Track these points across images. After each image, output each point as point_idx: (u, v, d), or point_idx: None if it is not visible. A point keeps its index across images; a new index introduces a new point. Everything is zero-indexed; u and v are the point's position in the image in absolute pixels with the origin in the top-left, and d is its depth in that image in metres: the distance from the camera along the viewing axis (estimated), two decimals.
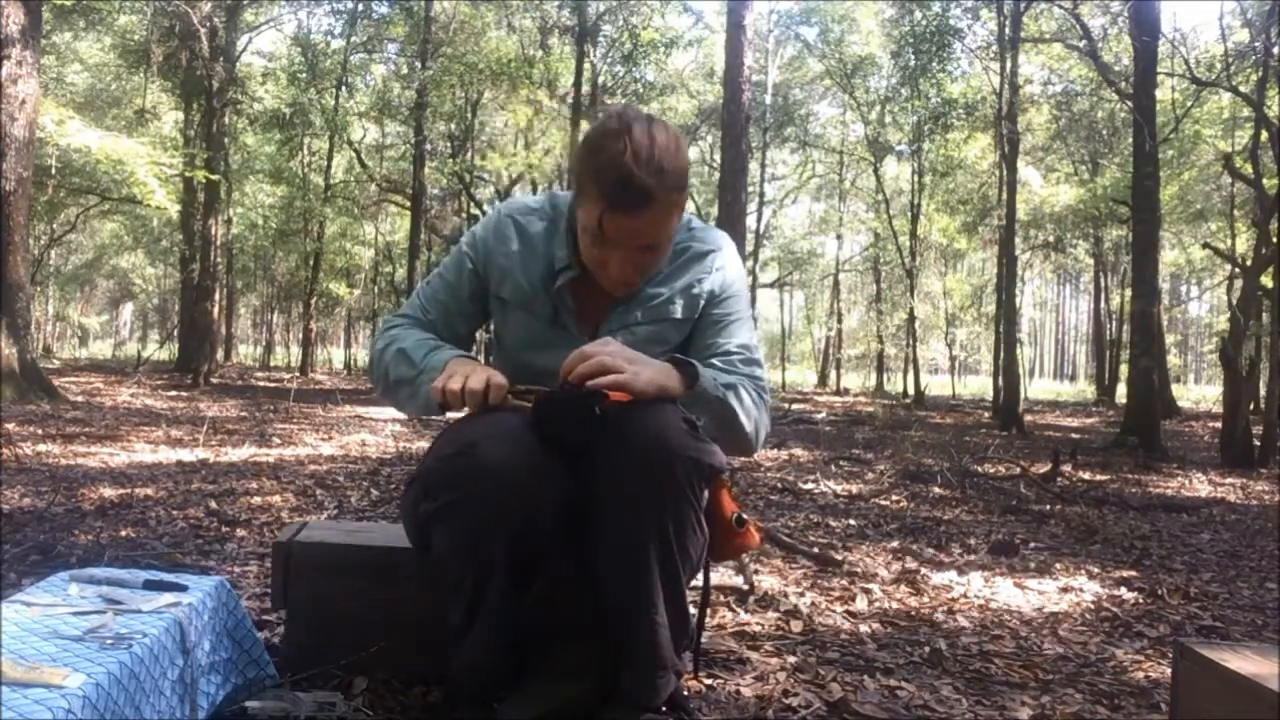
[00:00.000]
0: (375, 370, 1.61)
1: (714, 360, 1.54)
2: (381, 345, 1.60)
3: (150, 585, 1.47)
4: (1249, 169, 10.42)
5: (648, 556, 1.36)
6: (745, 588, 2.56)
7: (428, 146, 18.86)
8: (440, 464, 1.37)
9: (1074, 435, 11.67)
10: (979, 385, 28.67)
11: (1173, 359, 29.58)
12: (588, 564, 1.42)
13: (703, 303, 1.59)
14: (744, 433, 1.52)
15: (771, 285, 30.97)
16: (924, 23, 16.58)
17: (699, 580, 1.63)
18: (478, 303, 1.63)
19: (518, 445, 1.34)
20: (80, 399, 9.76)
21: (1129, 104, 11.19)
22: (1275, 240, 9.14)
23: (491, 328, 1.69)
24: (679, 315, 1.57)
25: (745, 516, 1.50)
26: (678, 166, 1.40)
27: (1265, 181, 10.39)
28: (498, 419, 1.39)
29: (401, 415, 1.68)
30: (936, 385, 26.04)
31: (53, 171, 18.45)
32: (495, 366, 1.55)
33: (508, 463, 1.32)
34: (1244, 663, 1.30)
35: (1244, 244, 15.55)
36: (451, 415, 1.49)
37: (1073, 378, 47.74)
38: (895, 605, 2.60)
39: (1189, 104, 14.49)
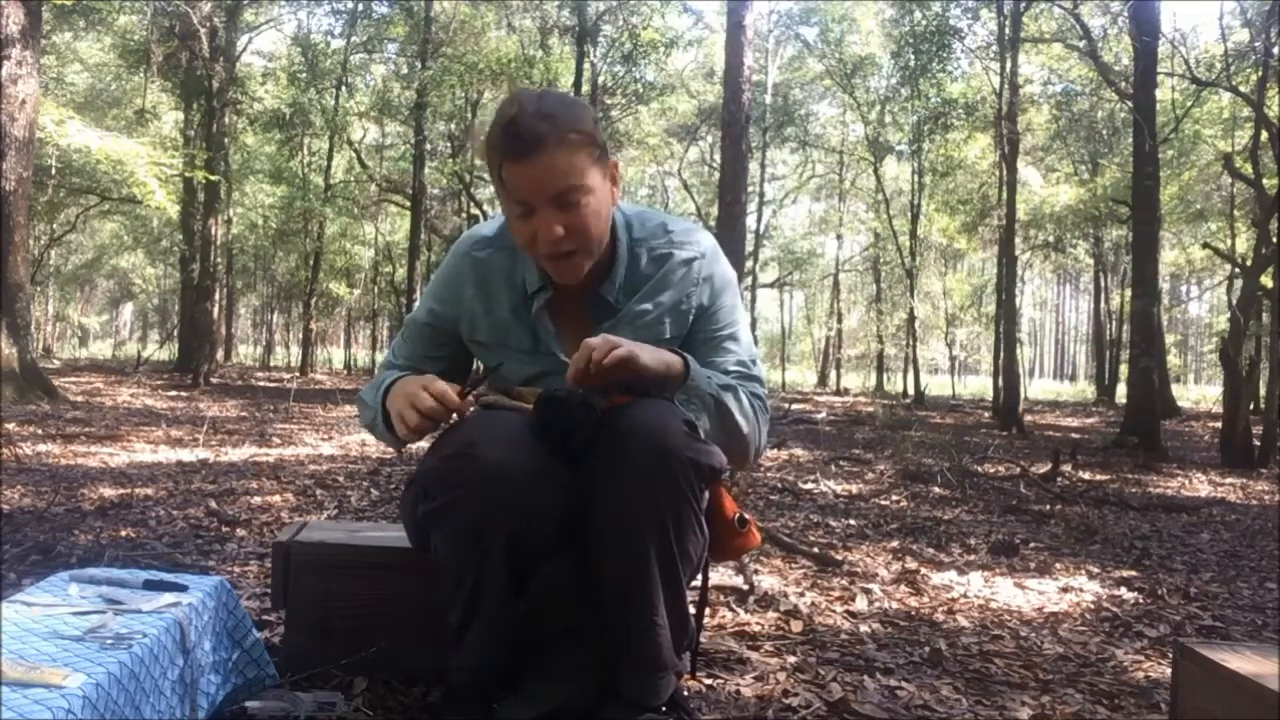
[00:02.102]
0: (363, 416, 1.65)
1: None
2: (361, 393, 1.65)
3: (150, 585, 1.47)
4: (1249, 169, 10.42)
5: (647, 557, 1.36)
6: (745, 588, 2.56)
7: (428, 146, 18.87)
8: (439, 465, 1.37)
9: (1074, 435, 11.67)
10: (979, 385, 28.67)
11: (1173, 359, 29.58)
12: (587, 564, 1.42)
13: (692, 317, 1.56)
14: (741, 434, 1.51)
15: (771, 285, 30.99)
16: (924, 23, 16.60)
17: (698, 580, 1.64)
18: (447, 345, 1.62)
19: (516, 446, 1.34)
20: (80, 399, 9.76)
21: (1129, 104, 11.19)
22: (1275, 240, 9.14)
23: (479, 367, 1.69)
24: (669, 335, 1.55)
25: (747, 517, 1.50)
26: (571, 115, 1.37)
27: (1265, 181, 10.39)
28: (498, 420, 1.40)
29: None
30: (936, 385, 26.04)
31: (53, 171, 18.45)
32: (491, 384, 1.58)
33: (506, 463, 1.32)
34: (1244, 663, 1.30)
35: (1244, 244, 15.55)
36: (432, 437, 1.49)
37: (1073, 378, 47.74)
38: (895, 605, 2.60)
39: (1189, 104, 14.50)
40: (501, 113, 1.37)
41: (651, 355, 1.39)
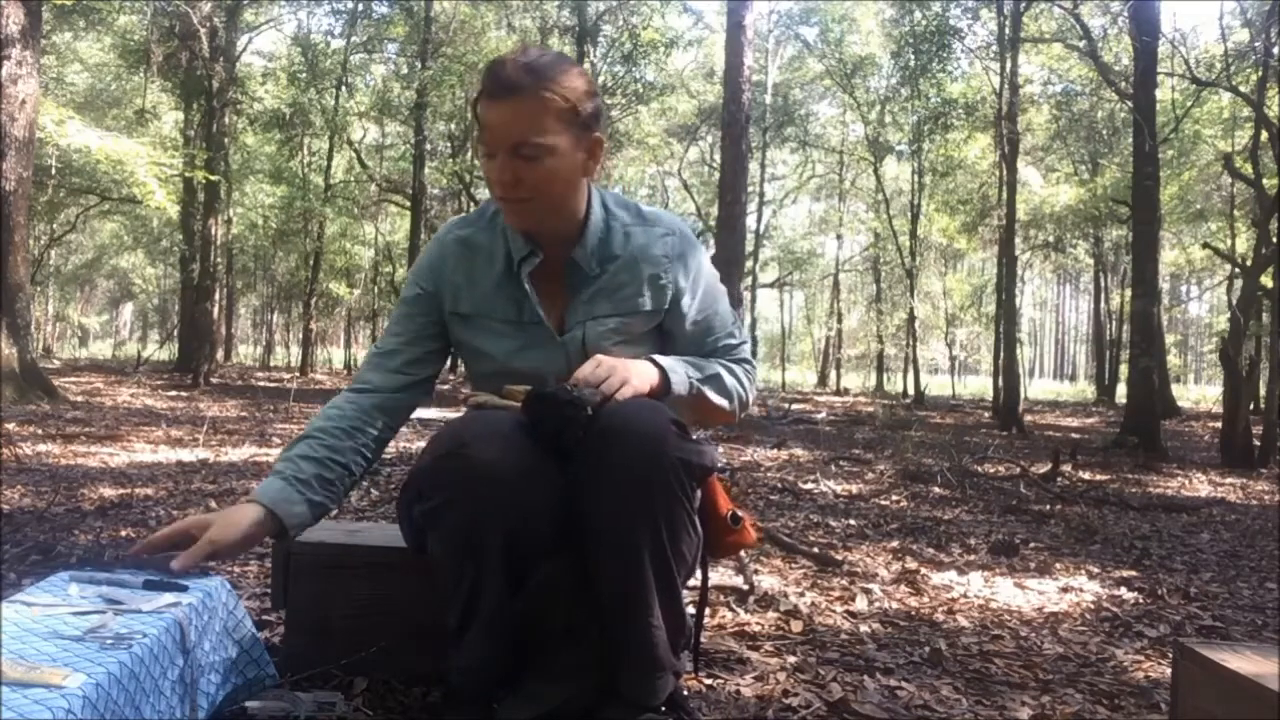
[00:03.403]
0: None
1: (698, 342, 1.64)
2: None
3: (150, 585, 1.47)
4: (1249, 169, 10.42)
5: (640, 559, 1.36)
6: (745, 588, 2.56)
7: (428, 146, 18.87)
8: (433, 465, 1.37)
9: (1074, 435, 11.67)
10: (979, 385, 28.67)
11: (1173, 359, 29.57)
12: (585, 564, 1.42)
13: (670, 295, 1.59)
14: (723, 411, 1.62)
15: (771, 285, 30.99)
16: (924, 23, 16.61)
17: (697, 579, 1.64)
18: (429, 327, 1.62)
19: (509, 445, 1.34)
20: (80, 399, 9.76)
21: (1129, 104, 11.19)
22: (1275, 240, 9.14)
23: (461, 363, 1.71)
24: (649, 308, 1.58)
25: (740, 514, 1.51)
26: (556, 75, 1.41)
27: (1265, 181, 10.39)
28: (489, 419, 1.40)
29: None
30: (936, 385, 26.04)
31: (53, 171, 18.44)
32: (479, 385, 1.61)
33: (499, 462, 1.32)
34: (1244, 663, 1.30)
35: (1244, 244, 15.55)
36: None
37: (1073, 378, 47.74)
38: (895, 605, 2.60)
39: (1189, 104, 14.50)
40: (497, 57, 1.46)
41: (639, 381, 1.45)
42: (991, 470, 6.59)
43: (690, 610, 1.55)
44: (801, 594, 2.63)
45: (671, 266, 1.59)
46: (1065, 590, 2.94)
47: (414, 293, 1.62)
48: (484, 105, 1.41)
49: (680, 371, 1.53)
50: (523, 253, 1.54)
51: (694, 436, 1.40)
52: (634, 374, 1.44)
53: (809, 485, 5.29)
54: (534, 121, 1.40)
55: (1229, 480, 6.93)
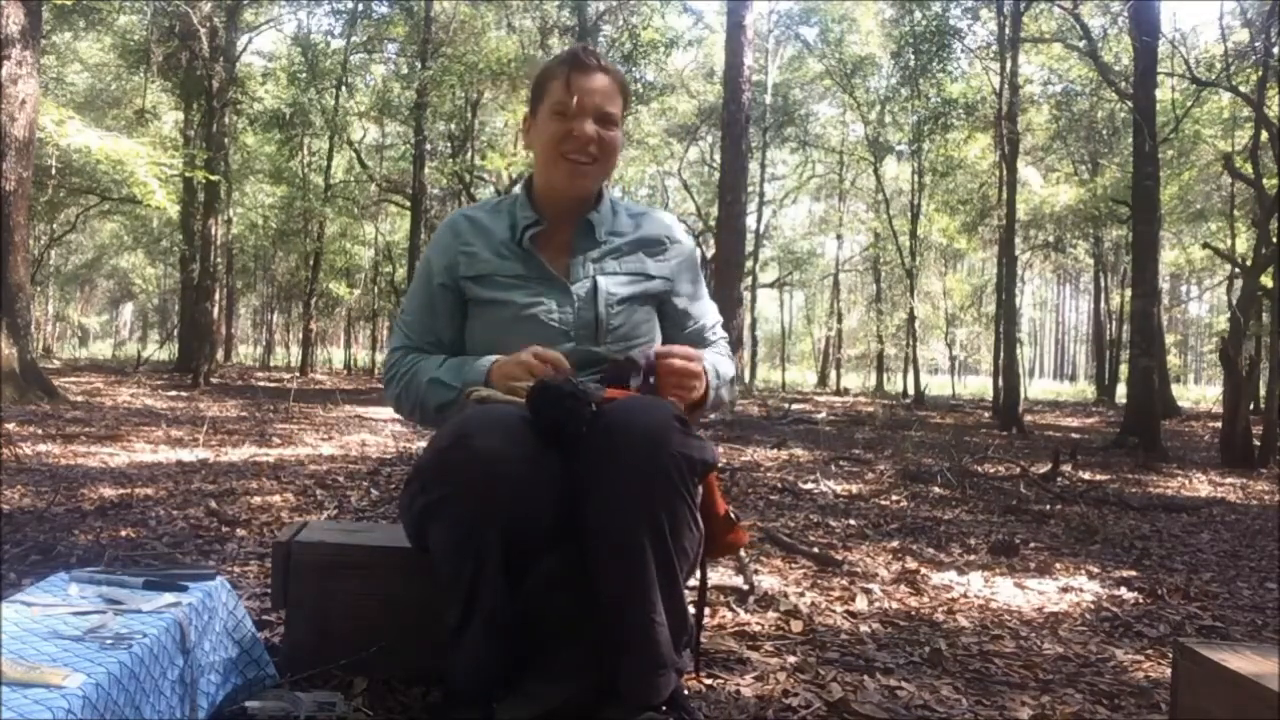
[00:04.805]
0: (405, 403, 1.70)
1: (698, 333, 1.78)
2: (404, 383, 1.68)
3: (150, 585, 1.47)
4: (1249, 169, 10.42)
5: (643, 554, 1.36)
6: (745, 588, 2.56)
7: (428, 146, 18.85)
8: (435, 457, 1.38)
9: (1074, 435, 11.67)
10: (979, 385, 28.65)
11: (1173, 359, 29.52)
12: (585, 561, 1.42)
13: (670, 269, 1.75)
14: (725, 404, 1.77)
15: (771, 285, 30.97)
16: (924, 23, 16.59)
17: (695, 579, 1.64)
18: (456, 305, 1.70)
19: (510, 436, 1.35)
20: (80, 399, 9.76)
21: (1129, 104, 11.18)
22: (1275, 240, 9.14)
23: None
24: (652, 272, 1.73)
25: (734, 515, 1.54)
26: (619, 70, 1.71)
27: (1265, 181, 10.38)
28: (493, 412, 1.41)
29: (401, 415, 1.77)
30: (936, 385, 26.02)
31: (53, 171, 18.42)
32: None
33: (501, 453, 1.32)
34: (1244, 663, 1.30)
35: (1244, 244, 15.54)
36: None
37: (1073, 378, 47.71)
38: (895, 605, 2.60)
39: (1189, 104, 14.48)
40: (569, 48, 1.71)
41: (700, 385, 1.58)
42: (991, 470, 6.59)
43: (691, 609, 1.55)
44: (801, 594, 2.63)
45: (670, 248, 1.77)
46: (1065, 590, 2.94)
47: (439, 277, 1.70)
48: (574, 75, 1.62)
49: (717, 387, 1.67)
50: (529, 220, 1.67)
51: (694, 432, 1.40)
52: (700, 381, 1.57)
53: (809, 485, 5.29)
54: (615, 95, 1.67)
55: (1229, 480, 6.93)
